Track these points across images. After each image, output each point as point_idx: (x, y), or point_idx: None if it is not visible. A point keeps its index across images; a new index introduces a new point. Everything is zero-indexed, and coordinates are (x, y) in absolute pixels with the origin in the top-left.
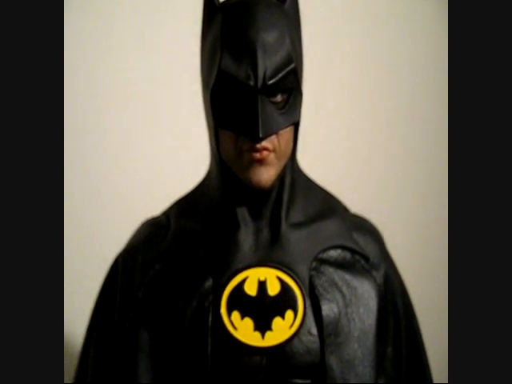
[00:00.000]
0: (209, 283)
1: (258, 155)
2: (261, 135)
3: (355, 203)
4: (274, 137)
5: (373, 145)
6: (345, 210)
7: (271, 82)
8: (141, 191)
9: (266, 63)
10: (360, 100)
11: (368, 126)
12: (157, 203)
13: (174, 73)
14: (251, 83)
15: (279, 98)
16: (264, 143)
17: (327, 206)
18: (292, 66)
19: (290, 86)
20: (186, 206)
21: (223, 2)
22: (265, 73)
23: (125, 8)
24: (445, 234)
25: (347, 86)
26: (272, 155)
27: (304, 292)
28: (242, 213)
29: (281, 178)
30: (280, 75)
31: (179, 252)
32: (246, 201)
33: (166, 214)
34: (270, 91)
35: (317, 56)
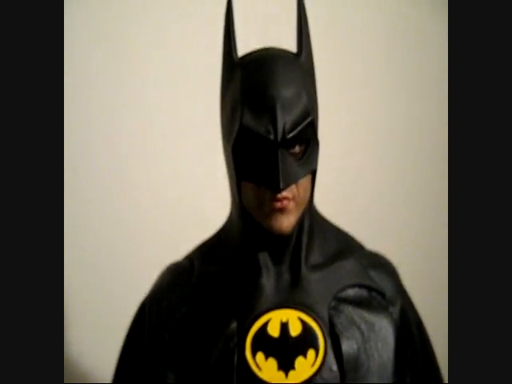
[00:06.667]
0: (233, 326)
1: (278, 204)
2: (281, 187)
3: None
4: (293, 186)
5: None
6: (360, 247)
7: (290, 135)
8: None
9: (285, 118)
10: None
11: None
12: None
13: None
14: (271, 137)
15: (297, 149)
16: (284, 193)
17: (343, 245)
18: (309, 119)
19: (307, 137)
20: (208, 250)
21: (242, 58)
22: (284, 127)
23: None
24: (445, 242)
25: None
26: (292, 203)
27: (324, 331)
28: (264, 258)
29: (300, 222)
30: (298, 129)
31: (204, 295)
32: (267, 246)
33: (190, 257)
34: (289, 144)
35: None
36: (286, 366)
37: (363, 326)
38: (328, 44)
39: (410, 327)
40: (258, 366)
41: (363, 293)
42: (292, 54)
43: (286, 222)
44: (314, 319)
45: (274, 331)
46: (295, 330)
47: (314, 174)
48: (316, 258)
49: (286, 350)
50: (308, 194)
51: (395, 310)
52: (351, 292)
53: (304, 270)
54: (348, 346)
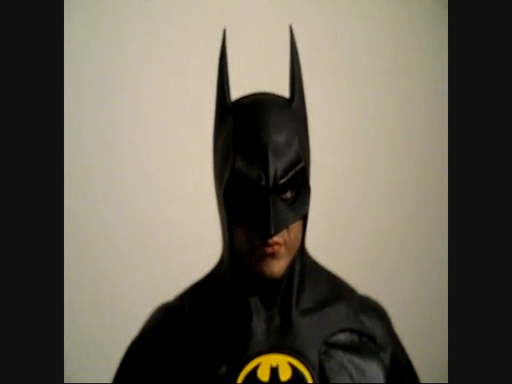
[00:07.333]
0: (223, 369)
1: (269, 249)
2: (272, 233)
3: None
4: (284, 231)
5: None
6: (351, 291)
7: (281, 181)
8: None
9: (277, 164)
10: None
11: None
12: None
13: None
14: (263, 183)
15: (289, 194)
16: (275, 238)
17: (334, 289)
18: (301, 165)
19: (299, 182)
20: (200, 291)
21: (235, 102)
22: (275, 173)
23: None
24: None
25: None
26: (283, 248)
27: (314, 377)
28: (255, 301)
29: (291, 266)
30: (290, 175)
31: (194, 338)
32: (258, 290)
33: (180, 298)
34: (281, 189)
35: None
36: None
37: (353, 372)
38: (328, 47)
39: (400, 373)
40: None
41: (354, 337)
42: (285, 99)
43: (277, 267)
44: (304, 364)
45: (263, 376)
46: (285, 375)
47: (305, 218)
48: (307, 302)
49: None
50: (299, 238)
51: (386, 356)
52: (342, 337)
53: (295, 314)
54: None
